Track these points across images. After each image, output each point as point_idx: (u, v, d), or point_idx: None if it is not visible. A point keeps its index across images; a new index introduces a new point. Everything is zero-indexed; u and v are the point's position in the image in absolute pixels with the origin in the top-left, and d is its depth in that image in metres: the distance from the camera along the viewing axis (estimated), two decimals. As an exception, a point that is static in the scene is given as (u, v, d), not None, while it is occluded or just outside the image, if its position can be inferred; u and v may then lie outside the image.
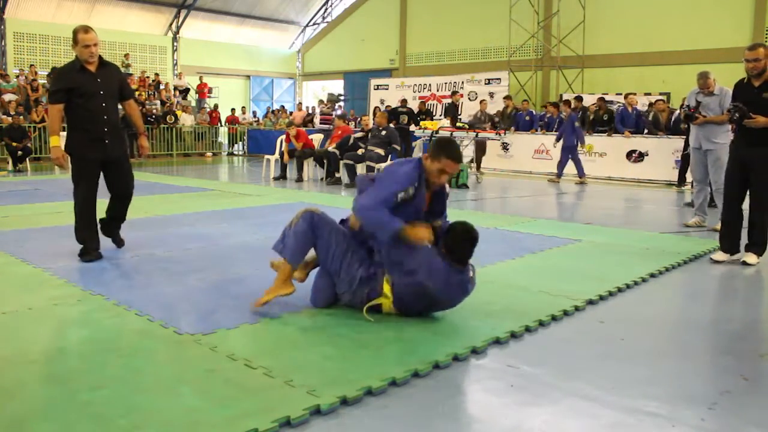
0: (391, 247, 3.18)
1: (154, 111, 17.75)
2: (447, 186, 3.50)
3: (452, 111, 13.71)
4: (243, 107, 22.62)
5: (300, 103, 23.46)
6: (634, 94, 13.96)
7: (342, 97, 17.87)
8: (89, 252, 4.60)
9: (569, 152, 11.78)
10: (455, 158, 3.25)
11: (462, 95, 14.57)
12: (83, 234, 4.62)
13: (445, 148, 3.26)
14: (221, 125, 20.44)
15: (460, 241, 3.21)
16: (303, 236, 3.33)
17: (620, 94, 15.41)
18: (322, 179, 11.15)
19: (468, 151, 12.50)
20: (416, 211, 3.32)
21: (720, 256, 4.93)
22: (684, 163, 11.17)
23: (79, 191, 4.59)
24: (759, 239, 4.81)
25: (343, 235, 3.38)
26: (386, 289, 3.23)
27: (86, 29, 4.45)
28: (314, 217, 3.36)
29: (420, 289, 3.17)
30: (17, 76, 17.54)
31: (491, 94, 17.52)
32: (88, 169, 4.56)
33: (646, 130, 12.50)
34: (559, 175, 11.94)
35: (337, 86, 25.47)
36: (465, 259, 3.23)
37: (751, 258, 4.82)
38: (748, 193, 4.89)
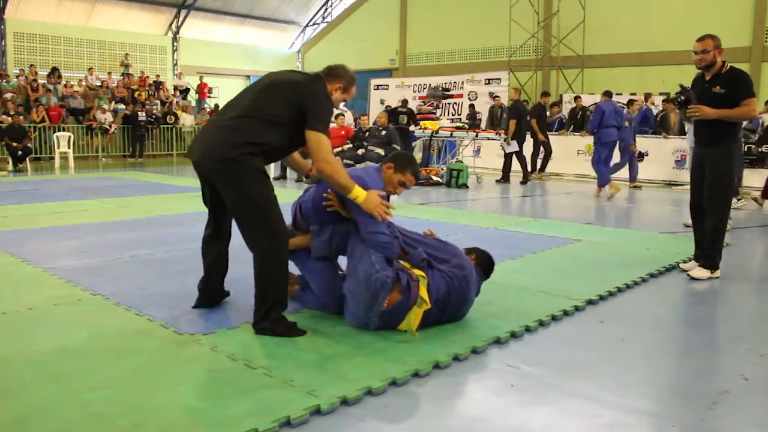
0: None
1: (154, 111, 17.76)
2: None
3: (540, 111, 12.39)
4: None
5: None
6: (635, 94, 13.96)
7: (447, 93, 14.60)
8: (294, 325, 3.12)
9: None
10: (417, 175, 3.41)
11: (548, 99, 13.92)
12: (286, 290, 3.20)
13: (412, 164, 3.38)
14: (221, 125, 20.40)
15: (486, 260, 3.46)
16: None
17: (620, 93, 15.40)
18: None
19: (468, 152, 12.50)
20: None
21: (691, 265, 4.59)
22: None
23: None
24: (709, 250, 4.39)
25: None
26: (423, 292, 3.04)
27: None
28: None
29: (463, 283, 3.17)
30: (17, 76, 17.55)
31: (491, 94, 17.54)
32: None
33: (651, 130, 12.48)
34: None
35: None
36: (488, 273, 3.47)
37: (698, 272, 4.38)
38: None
